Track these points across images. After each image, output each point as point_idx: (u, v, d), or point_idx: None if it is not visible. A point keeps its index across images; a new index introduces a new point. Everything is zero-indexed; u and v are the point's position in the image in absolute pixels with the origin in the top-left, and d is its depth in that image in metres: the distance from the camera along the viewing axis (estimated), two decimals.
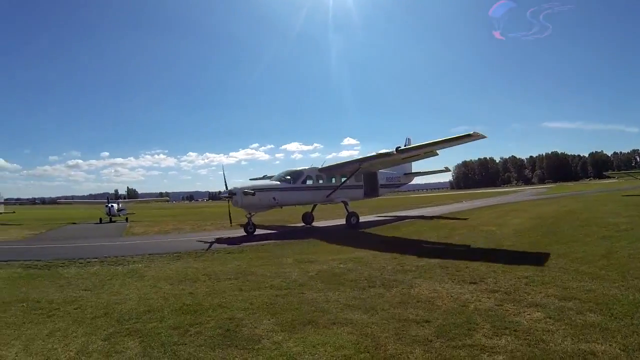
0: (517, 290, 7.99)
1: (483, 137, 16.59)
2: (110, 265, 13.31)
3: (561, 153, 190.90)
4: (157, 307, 8.09)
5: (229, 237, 20.11)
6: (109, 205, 38.98)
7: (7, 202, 52.34)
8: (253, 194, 21.04)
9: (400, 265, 11.08)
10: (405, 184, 32.14)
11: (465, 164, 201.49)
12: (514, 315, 6.59)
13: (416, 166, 31.06)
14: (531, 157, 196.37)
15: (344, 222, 24.47)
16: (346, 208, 24.28)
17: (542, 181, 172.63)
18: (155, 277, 11.20)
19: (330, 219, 28.28)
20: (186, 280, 10.67)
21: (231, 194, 21.06)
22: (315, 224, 26.58)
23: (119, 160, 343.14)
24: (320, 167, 24.39)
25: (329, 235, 19.87)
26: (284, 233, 22.31)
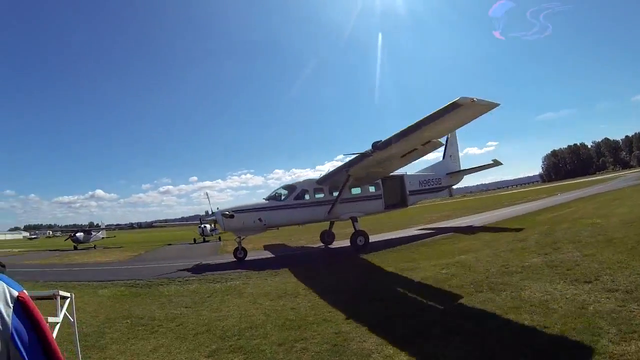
0: (639, 288, 7.12)
1: (489, 104, 12.47)
2: (209, 283, 13.53)
3: None
4: (259, 323, 8.03)
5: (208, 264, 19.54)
6: (202, 225, 40.23)
7: (108, 227, 56.28)
8: (231, 217, 19.15)
9: (505, 267, 10.38)
10: (449, 186, 25.90)
11: (554, 153, 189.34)
12: None
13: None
14: (627, 137, 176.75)
15: (375, 241, 20.87)
16: (354, 226, 20.18)
17: None
18: (254, 294, 11.19)
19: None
20: (286, 295, 10.56)
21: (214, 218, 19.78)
22: (337, 243, 22.80)
23: (207, 183, 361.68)
24: (317, 179, 21.07)
25: (315, 264, 16.57)
26: (277, 259, 20.10)
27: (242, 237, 20.01)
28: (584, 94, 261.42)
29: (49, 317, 5.60)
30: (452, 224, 26.41)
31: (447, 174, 24.94)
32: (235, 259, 19.43)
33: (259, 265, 16.97)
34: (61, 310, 6.00)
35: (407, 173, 23.08)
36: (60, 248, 42.79)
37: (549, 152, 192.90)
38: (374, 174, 20.32)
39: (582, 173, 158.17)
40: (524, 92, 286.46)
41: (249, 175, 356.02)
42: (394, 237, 22.58)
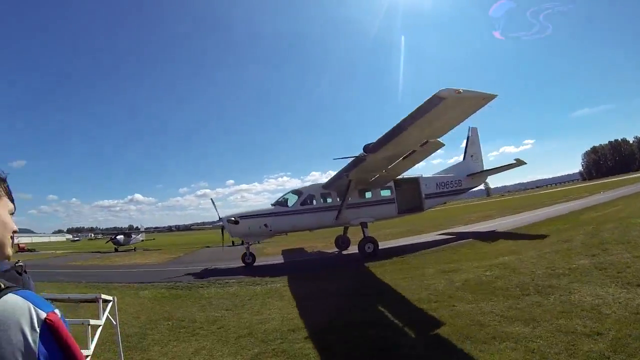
0: None
1: (483, 96, 11.19)
2: (249, 286, 13.52)
3: None
4: (302, 326, 7.94)
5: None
6: None
7: (147, 230, 57.60)
8: (236, 222, 19.22)
9: (551, 269, 9.96)
10: (470, 188, 23.89)
11: (594, 150, 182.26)
12: None
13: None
14: None
15: (398, 245, 20.82)
16: (363, 232, 19.34)
17: None
18: (295, 296, 11.10)
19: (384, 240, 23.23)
20: (327, 297, 10.47)
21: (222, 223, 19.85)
22: (352, 248, 21.39)
23: (244, 186, 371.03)
24: (324, 183, 20.55)
25: (316, 273, 15.41)
26: (284, 265, 19.94)
27: (250, 243, 20.17)
28: (622, 88, 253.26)
29: (90, 320, 5.68)
30: (482, 227, 25.31)
31: (467, 175, 23.32)
32: (243, 264, 19.54)
33: (264, 271, 16.89)
34: (103, 313, 6.08)
35: (423, 175, 22.28)
36: (101, 250, 44.06)
37: (589, 148, 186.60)
38: (382, 178, 19.41)
39: (624, 170, 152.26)
40: (558, 88, 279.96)
41: (285, 178, 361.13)
42: (407, 243, 21.79)
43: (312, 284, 12.91)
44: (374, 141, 15.05)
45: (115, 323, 6.46)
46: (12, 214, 1.49)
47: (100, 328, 5.90)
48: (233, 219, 19.29)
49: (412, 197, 21.49)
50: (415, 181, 21.61)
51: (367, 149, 15.48)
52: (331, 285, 12.34)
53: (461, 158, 24.28)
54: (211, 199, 21.95)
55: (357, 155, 16.27)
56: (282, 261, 21.36)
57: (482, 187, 25.08)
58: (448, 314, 7.49)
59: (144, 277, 18.11)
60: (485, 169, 24.03)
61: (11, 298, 1.23)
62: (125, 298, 12.35)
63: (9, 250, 1.45)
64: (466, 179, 23.09)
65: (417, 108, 12.03)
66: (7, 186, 1.51)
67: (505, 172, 24.52)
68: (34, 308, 1.25)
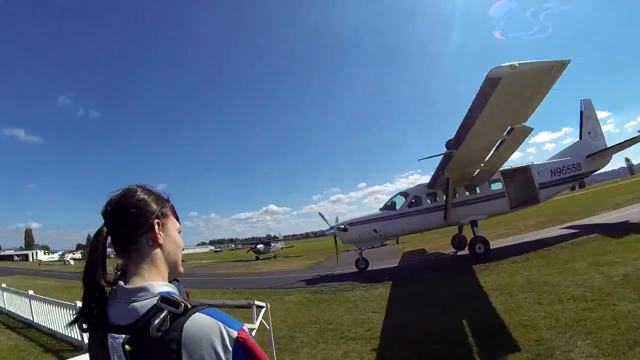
0: None
1: (548, 65, 9.59)
2: (394, 287, 13.46)
3: None
4: (453, 328, 7.69)
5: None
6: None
7: (285, 238, 60.30)
8: (345, 230, 19.05)
9: None
10: (593, 170, 20.49)
11: None
12: None
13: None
14: None
15: (520, 242, 19.13)
16: (473, 231, 17.96)
17: None
18: (440, 296, 10.88)
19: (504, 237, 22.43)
20: (479, 297, 10.04)
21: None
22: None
23: (376, 188, 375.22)
24: (428, 183, 19.42)
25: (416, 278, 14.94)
26: (395, 270, 18.95)
27: (362, 249, 19.86)
28: None
29: (245, 324, 6.16)
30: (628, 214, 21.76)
31: (587, 156, 20.05)
32: (357, 269, 19.60)
33: (372, 276, 16.78)
34: (257, 318, 6.57)
35: (534, 163, 19.92)
36: (243, 259, 47.03)
37: None
38: (484, 172, 17.64)
39: None
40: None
41: (416, 176, 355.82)
42: (530, 239, 19.55)
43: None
44: (453, 136, 14.17)
45: (268, 327, 6.94)
46: (179, 232, 1.58)
47: (254, 332, 6.38)
48: (342, 226, 19.37)
49: (524, 189, 19.65)
50: (526, 170, 19.65)
51: (449, 145, 14.70)
52: (441, 289, 12.03)
53: (587, 137, 20.87)
54: (319, 213, 22.62)
55: (443, 152, 15.31)
56: (396, 265, 20.87)
57: (624, 164, 22.02)
58: (610, 314, 6.73)
59: (287, 282, 18.88)
60: (607, 146, 20.57)
61: (200, 317, 1.25)
62: (272, 303, 12.88)
63: (181, 268, 1.58)
64: (586, 161, 20.12)
65: (477, 94, 11.05)
66: (172, 206, 1.59)
67: None
68: (224, 327, 1.25)
